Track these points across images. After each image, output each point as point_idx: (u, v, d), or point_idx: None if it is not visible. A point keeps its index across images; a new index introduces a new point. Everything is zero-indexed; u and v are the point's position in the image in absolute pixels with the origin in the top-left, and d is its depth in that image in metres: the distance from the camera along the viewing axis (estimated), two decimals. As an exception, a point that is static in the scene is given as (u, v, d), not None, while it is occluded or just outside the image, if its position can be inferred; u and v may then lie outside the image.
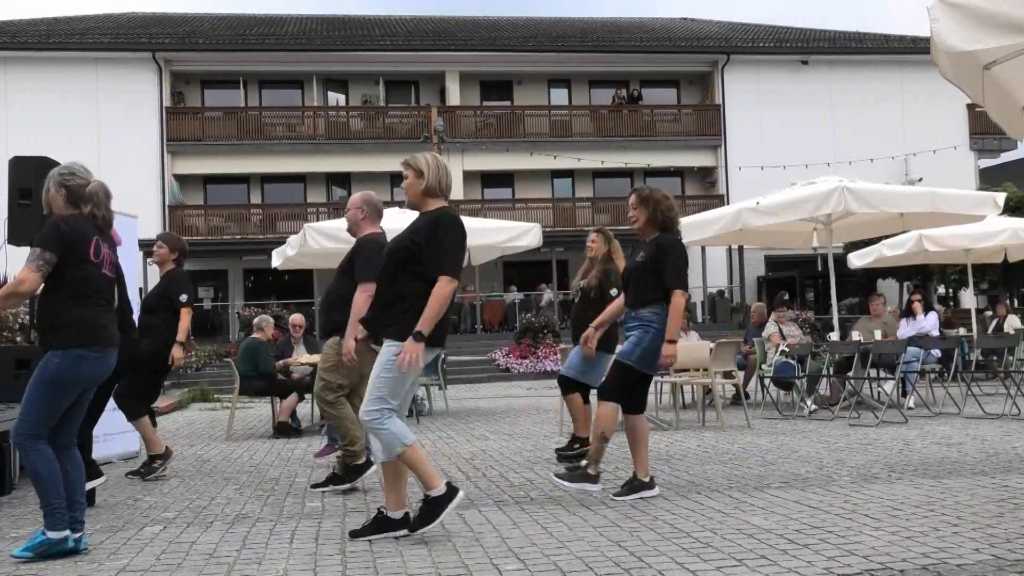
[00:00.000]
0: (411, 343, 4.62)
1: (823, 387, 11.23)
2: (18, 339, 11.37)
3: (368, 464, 6.45)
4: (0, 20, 35.08)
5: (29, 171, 8.54)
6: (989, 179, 35.36)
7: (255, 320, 11.70)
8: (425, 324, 4.64)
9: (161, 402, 15.53)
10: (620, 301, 7.35)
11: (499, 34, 36.50)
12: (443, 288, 4.68)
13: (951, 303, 30.02)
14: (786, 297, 26.65)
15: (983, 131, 34.05)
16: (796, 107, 34.05)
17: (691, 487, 6.02)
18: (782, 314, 12.80)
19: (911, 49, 34.59)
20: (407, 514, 4.85)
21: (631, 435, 5.86)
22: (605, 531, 4.79)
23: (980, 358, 12.99)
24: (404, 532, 4.79)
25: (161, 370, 7.31)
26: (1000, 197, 11.87)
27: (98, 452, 8.11)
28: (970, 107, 33.43)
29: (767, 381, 11.54)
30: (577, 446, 7.47)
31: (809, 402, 10.82)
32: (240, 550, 4.65)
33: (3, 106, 30.63)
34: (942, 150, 31.84)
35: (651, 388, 11.58)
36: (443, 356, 13.50)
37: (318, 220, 25.72)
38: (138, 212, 10.43)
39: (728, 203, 26.53)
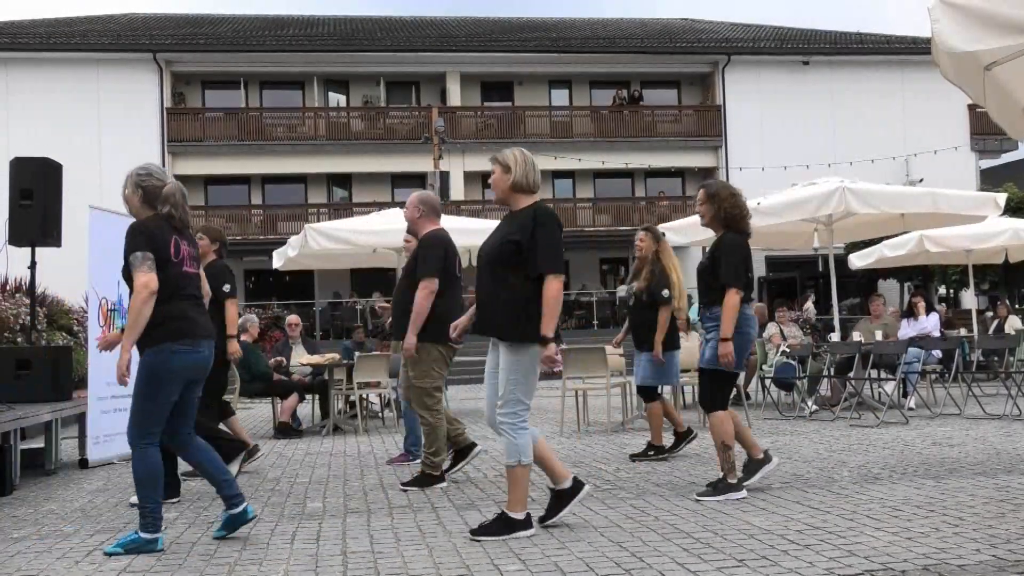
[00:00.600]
0: (541, 349, 4.71)
1: (824, 388, 11.23)
2: (18, 340, 11.36)
3: (442, 478, 6.48)
4: (1, 21, 35.10)
5: (30, 172, 8.56)
6: (990, 180, 35.36)
7: (239, 321, 11.70)
8: (548, 327, 4.71)
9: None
10: (667, 307, 7.61)
11: (500, 35, 36.49)
12: (553, 285, 4.72)
13: (952, 304, 30.00)
14: (813, 299, 26.64)
15: (984, 132, 34.02)
16: (797, 107, 34.03)
17: (692, 487, 6.02)
18: (783, 315, 12.81)
19: (912, 50, 34.55)
20: (575, 477, 5.02)
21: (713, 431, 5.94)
22: (606, 531, 4.78)
23: (981, 359, 12.98)
24: (585, 491, 4.98)
25: (222, 366, 7.27)
26: (1001, 198, 11.87)
27: (98, 453, 8.15)
28: (971, 108, 33.39)
29: (768, 382, 11.54)
30: (652, 453, 7.59)
31: (810, 403, 10.82)
32: (241, 551, 4.65)
33: (4, 107, 30.63)
34: (943, 151, 31.83)
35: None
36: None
37: (319, 221, 25.73)
38: (139, 213, 10.39)
39: (729, 204, 26.48)
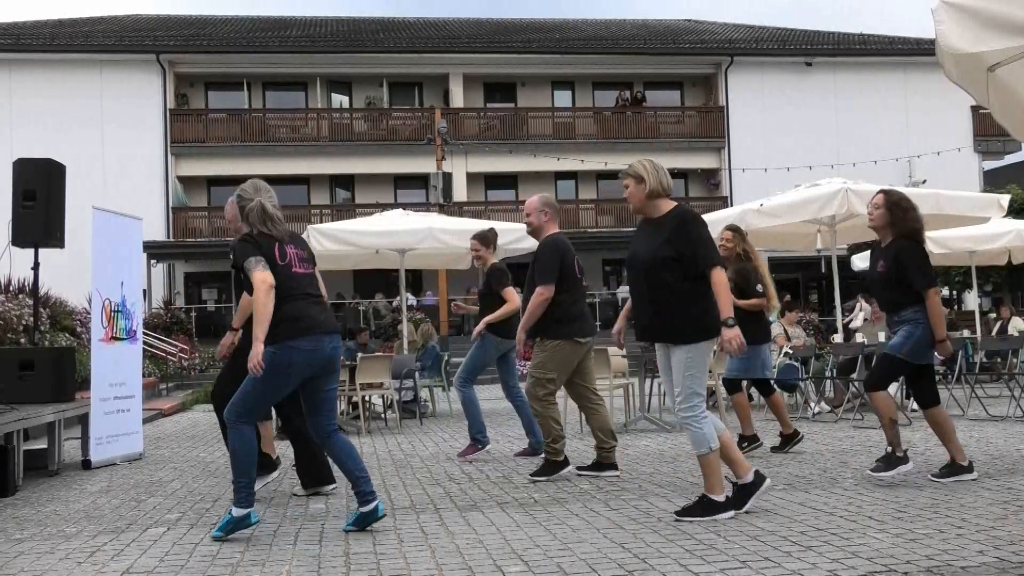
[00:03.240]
0: (727, 330, 4.99)
1: (827, 389, 11.21)
2: (22, 341, 11.38)
3: (567, 462, 6.72)
4: (5, 22, 35.17)
5: (33, 173, 8.57)
6: (993, 181, 35.33)
7: None
8: (728, 311, 5.00)
9: (164, 404, 15.55)
10: (759, 299, 7.68)
11: (503, 36, 36.51)
12: (721, 275, 5.01)
13: (955, 305, 29.98)
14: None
15: (987, 133, 34.00)
16: (800, 109, 34.02)
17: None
18: (791, 316, 12.81)
19: (915, 51, 34.55)
20: (757, 471, 5.24)
21: (936, 427, 6.05)
22: (608, 533, 4.78)
23: (984, 360, 12.95)
24: (766, 484, 5.20)
25: None
26: (1004, 199, 11.86)
27: (100, 454, 8.16)
28: (974, 109, 33.38)
29: (771, 383, 11.51)
30: (746, 444, 7.64)
31: (814, 404, 10.80)
32: (244, 552, 4.65)
33: (8, 108, 30.68)
34: (946, 152, 31.80)
35: (654, 389, 11.56)
36: (447, 357, 13.51)
37: (322, 222, 25.72)
38: (142, 214, 10.44)
39: (732, 205, 26.52)
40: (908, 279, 5.87)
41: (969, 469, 5.96)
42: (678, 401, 5.07)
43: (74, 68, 31.43)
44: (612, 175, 33.79)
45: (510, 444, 8.92)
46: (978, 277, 17.32)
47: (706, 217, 12.96)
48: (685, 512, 5.01)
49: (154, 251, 28.77)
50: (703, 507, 5.00)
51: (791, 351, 11.57)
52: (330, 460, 5.63)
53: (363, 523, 5.01)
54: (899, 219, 6.02)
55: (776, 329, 12.47)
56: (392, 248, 13.33)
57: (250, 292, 4.97)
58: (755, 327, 7.64)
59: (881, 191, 6.25)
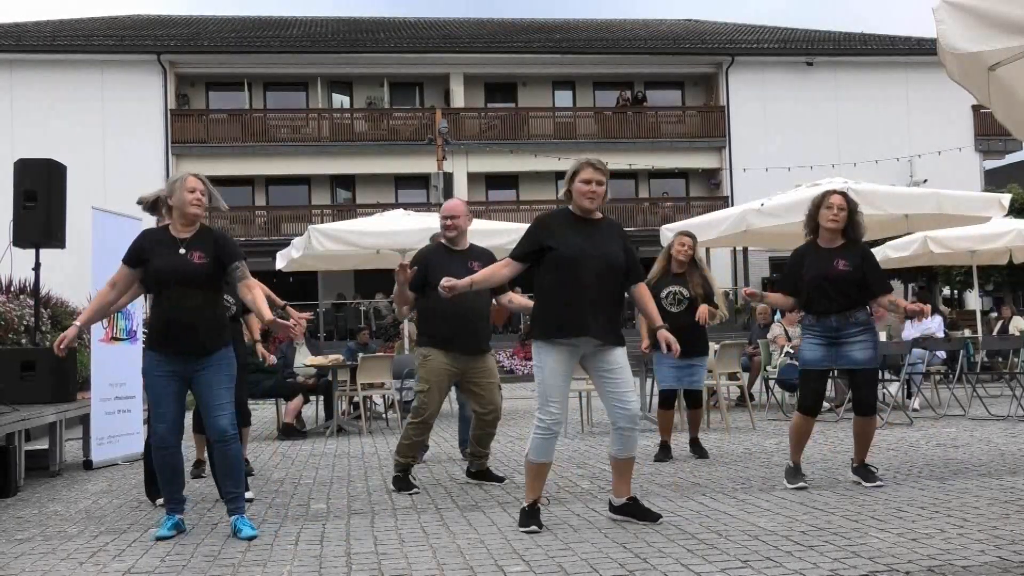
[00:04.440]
0: (665, 332, 5.07)
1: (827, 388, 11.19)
2: (23, 341, 11.37)
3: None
4: (6, 22, 35.17)
5: (34, 173, 8.57)
6: (994, 180, 35.29)
7: None
8: (659, 320, 5.20)
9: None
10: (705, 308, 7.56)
11: (503, 36, 36.50)
12: (647, 289, 5.26)
13: (956, 305, 29.98)
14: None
15: (988, 132, 33.94)
16: (801, 108, 33.97)
17: (696, 489, 6.02)
18: (791, 317, 12.78)
19: (916, 50, 34.51)
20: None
21: (792, 432, 6.22)
22: (610, 533, 4.78)
23: (985, 360, 12.95)
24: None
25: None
26: (1005, 199, 11.86)
27: (101, 455, 8.17)
28: (975, 108, 33.34)
29: (772, 383, 11.52)
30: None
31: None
32: (245, 552, 4.65)
33: (9, 109, 30.68)
34: (947, 151, 31.76)
35: (653, 390, 11.55)
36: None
37: (322, 222, 25.74)
38: (142, 215, 10.40)
39: (732, 204, 26.48)
40: (869, 282, 5.98)
41: (802, 474, 6.06)
42: (631, 402, 4.94)
43: (75, 68, 31.43)
44: (613, 175, 33.24)
45: (511, 444, 8.93)
46: (979, 277, 17.31)
47: (706, 217, 13.07)
48: (619, 512, 5.09)
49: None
50: (641, 508, 5.09)
51: (791, 351, 11.56)
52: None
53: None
54: (858, 224, 6.15)
55: (776, 329, 12.47)
56: (393, 248, 13.32)
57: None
58: (704, 338, 7.75)
59: (840, 193, 6.28)
